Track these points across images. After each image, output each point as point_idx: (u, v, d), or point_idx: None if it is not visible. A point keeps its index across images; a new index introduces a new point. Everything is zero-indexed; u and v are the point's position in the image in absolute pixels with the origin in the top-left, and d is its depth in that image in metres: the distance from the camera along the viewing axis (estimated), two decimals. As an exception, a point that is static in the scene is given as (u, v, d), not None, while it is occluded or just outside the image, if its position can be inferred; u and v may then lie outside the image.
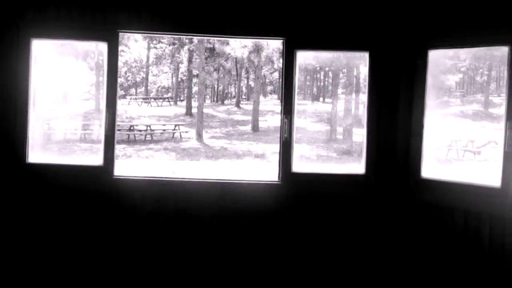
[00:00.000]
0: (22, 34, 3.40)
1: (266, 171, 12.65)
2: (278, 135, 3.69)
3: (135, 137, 19.20)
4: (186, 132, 21.16)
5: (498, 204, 3.02)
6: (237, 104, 32.37)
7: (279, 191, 3.51)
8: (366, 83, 3.58)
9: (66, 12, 3.42)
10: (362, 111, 3.72)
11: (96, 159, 3.55)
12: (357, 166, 3.79)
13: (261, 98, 31.16)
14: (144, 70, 39.05)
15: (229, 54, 23.17)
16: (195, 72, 27.75)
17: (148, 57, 38.08)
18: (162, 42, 35.38)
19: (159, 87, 41.15)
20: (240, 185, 3.52)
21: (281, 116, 3.54)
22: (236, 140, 20.22)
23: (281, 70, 3.45)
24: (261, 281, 3.53)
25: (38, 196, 3.45)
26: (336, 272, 3.54)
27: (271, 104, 33.12)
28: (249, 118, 24.82)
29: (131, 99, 33.46)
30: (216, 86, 40.53)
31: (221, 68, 32.72)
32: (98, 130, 17.64)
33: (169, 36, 19.52)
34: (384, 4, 3.50)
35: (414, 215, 3.43)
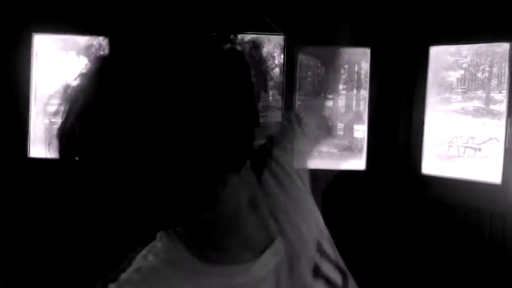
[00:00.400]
0: (24, 29, 3.40)
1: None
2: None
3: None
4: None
5: (498, 201, 3.03)
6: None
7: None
8: (367, 79, 3.58)
9: (68, 6, 3.41)
10: (363, 107, 3.71)
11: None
12: (358, 163, 3.79)
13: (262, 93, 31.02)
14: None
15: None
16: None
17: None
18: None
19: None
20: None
21: (282, 112, 3.54)
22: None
23: (282, 66, 3.45)
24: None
25: (39, 190, 3.46)
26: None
27: (272, 99, 32.94)
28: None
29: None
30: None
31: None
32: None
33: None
34: (385, 0, 3.50)
35: (415, 212, 3.44)
